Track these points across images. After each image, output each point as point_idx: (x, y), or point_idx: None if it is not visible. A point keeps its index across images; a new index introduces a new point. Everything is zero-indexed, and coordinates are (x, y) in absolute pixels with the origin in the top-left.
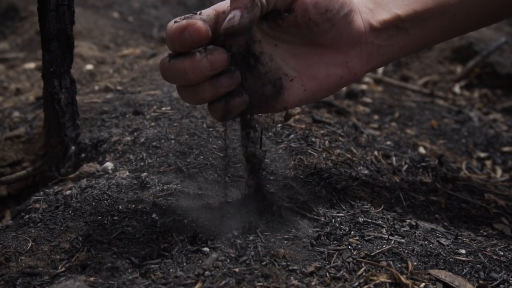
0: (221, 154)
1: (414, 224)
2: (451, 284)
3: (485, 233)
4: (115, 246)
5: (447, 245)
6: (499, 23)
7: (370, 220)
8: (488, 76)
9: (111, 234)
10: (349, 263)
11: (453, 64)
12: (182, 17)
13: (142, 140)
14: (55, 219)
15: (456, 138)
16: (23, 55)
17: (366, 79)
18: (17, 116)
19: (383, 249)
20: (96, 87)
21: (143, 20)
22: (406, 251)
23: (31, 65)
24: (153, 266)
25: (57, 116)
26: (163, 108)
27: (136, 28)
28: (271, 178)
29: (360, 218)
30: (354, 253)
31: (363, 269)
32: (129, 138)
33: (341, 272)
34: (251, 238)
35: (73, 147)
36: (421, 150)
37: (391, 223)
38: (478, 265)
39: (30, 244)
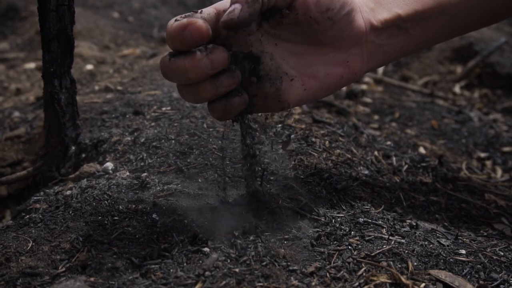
0: (221, 154)
1: (414, 224)
2: (451, 285)
3: (485, 233)
4: (115, 246)
5: (447, 246)
6: (499, 23)
7: (370, 220)
8: (488, 76)
9: (111, 234)
10: (349, 263)
11: (453, 64)
12: (183, 15)
13: (142, 140)
14: (55, 219)
15: (456, 138)
16: (23, 55)
17: (366, 79)
18: (17, 116)
19: (383, 249)
20: (96, 87)
21: (143, 20)
22: (406, 251)
23: (31, 65)
24: (153, 266)
25: (57, 116)
26: (163, 108)
27: (136, 28)
28: (271, 178)
29: (360, 218)
30: (354, 253)
31: (363, 269)
32: (129, 138)
33: (341, 272)
34: (251, 238)
35: (73, 147)
36: (421, 150)
37: (391, 223)
38: (478, 266)
39: (30, 244)
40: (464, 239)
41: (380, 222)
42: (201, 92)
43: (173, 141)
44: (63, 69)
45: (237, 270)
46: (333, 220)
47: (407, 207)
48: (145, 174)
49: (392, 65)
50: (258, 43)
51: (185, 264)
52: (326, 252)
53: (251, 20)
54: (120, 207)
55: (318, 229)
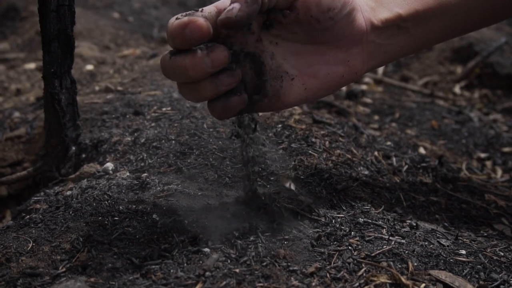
0: (221, 155)
1: (415, 224)
2: (452, 285)
3: (485, 234)
4: (115, 246)
5: (448, 246)
6: (499, 24)
7: (370, 221)
8: (488, 77)
9: (111, 235)
10: (349, 263)
11: (453, 65)
12: (184, 14)
13: (143, 140)
14: (55, 219)
15: (456, 139)
16: (24, 56)
17: (366, 79)
18: (17, 116)
19: (383, 249)
20: (97, 88)
21: (144, 20)
22: (407, 251)
23: (31, 65)
24: (153, 266)
25: (58, 116)
26: (164, 109)
27: (137, 28)
28: (272, 178)
29: (360, 219)
30: (355, 254)
31: (363, 269)
32: (129, 139)
33: (342, 272)
34: (251, 238)
35: (73, 148)
36: (421, 150)
37: (392, 224)
38: (479, 266)
39: (30, 245)
40: (464, 240)
41: (380, 222)
42: (201, 90)
43: (173, 142)
44: (64, 69)
45: (237, 270)
46: (333, 221)
47: (407, 207)
48: (145, 174)
49: (392, 65)
50: (258, 42)
51: (185, 264)
52: (326, 253)
53: (248, 20)
54: (121, 207)
55: (318, 230)
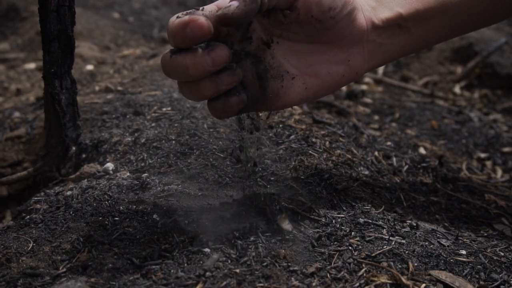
0: (221, 155)
1: (415, 224)
2: (452, 285)
3: (485, 234)
4: (116, 246)
5: (448, 246)
6: (499, 24)
7: (370, 221)
8: (488, 77)
9: (112, 235)
10: (349, 263)
11: (453, 65)
12: (184, 12)
13: (143, 140)
14: (56, 219)
15: (456, 139)
16: (24, 56)
17: (366, 79)
18: (17, 116)
19: (383, 249)
20: (97, 88)
21: (144, 21)
22: (407, 251)
23: (31, 65)
24: (154, 267)
25: (58, 116)
26: (164, 109)
27: (137, 28)
28: (272, 179)
29: (360, 219)
30: (355, 254)
31: (363, 269)
32: (129, 139)
33: (342, 272)
34: (251, 239)
35: (73, 148)
36: (422, 150)
37: (392, 224)
38: (479, 266)
39: (31, 245)
40: (465, 240)
41: (381, 222)
42: (202, 89)
43: (173, 142)
44: (64, 69)
45: (237, 270)
46: (334, 221)
47: (407, 207)
48: (146, 174)
49: (392, 65)
50: (259, 41)
51: (185, 264)
52: (326, 253)
53: (246, 18)
54: (121, 207)
55: (318, 230)
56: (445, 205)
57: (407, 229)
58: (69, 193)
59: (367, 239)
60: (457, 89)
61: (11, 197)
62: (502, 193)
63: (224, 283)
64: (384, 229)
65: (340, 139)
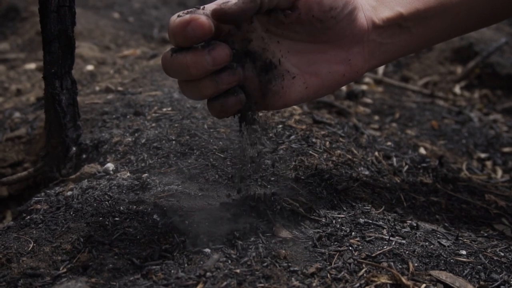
0: (221, 155)
1: (415, 225)
2: (452, 285)
3: (485, 234)
4: (116, 247)
5: (448, 246)
6: (499, 24)
7: (371, 221)
8: (488, 77)
9: (112, 235)
10: (350, 264)
11: (454, 65)
12: (185, 11)
13: (143, 141)
14: (56, 220)
15: (456, 139)
16: (24, 56)
17: (367, 79)
18: (18, 116)
19: (384, 250)
20: (97, 88)
21: (144, 21)
22: (407, 252)
23: (31, 65)
24: (154, 267)
25: (58, 117)
26: (164, 109)
27: (137, 28)
28: (272, 179)
29: (361, 219)
30: (355, 254)
31: (364, 270)
32: (130, 139)
33: (342, 273)
34: (252, 239)
35: (74, 148)
36: (422, 150)
37: (392, 224)
38: (479, 266)
39: (31, 245)
40: (465, 240)
41: (381, 222)
42: (202, 88)
43: (173, 142)
44: (64, 70)
45: (238, 271)
46: (334, 221)
47: (407, 207)
48: (146, 175)
49: (392, 65)
50: (260, 41)
51: (186, 265)
52: (327, 253)
53: (242, 16)
54: (121, 208)
55: (319, 230)
56: (445, 205)
57: (407, 229)
58: (69, 193)
59: (368, 239)
60: (457, 89)
61: (12, 197)
62: (502, 193)
63: (225, 283)
64: (384, 229)
65: (340, 139)
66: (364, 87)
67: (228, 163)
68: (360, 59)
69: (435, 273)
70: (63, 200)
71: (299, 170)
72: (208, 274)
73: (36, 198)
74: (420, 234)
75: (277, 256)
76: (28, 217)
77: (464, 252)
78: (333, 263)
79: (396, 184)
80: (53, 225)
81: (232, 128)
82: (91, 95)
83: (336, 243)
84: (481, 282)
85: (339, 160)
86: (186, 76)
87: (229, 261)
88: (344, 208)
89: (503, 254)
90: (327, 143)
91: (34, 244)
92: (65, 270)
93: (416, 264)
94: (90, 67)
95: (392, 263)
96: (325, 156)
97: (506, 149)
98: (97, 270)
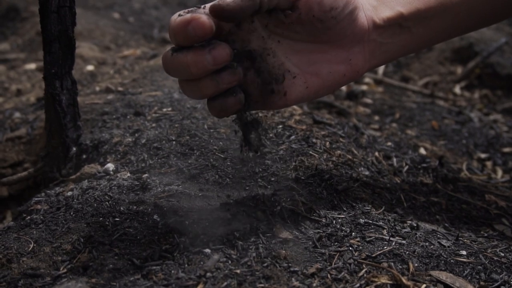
0: (222, 155)
1: (415, 225)
2: (452, 286)
3: (485, 234)
4: (116, 247)
5: (448, 246)
6: (499, 24)
7: (371, 221)
8: (488, 77)
9: (112, 236)
10: (350, 264)
11: (454, 65)
12: (186, 10)
13: (143, 141)
14: (56, 220)
15: (456, 139)
16: (24, 56)
17: (367, 79)
18: (18, 117)
19: (384, 250)
20: (97, 88)
21: (144, 21)
22: (407, 252)
23: (32, 65)
24: (154, 267)
25: (58, 117)
26: (164, 109)
27: (137, 28)
28: (272, 179)
29: (361, 219)
30: (355, 255)
31: (364, 270)
32: (130, 139)
33: (342, 273)
34: (252, 239)
35: (74, 148)
36: (422, 151)
37: (392, 224)
38: (479, 266)
39: (31, 246)
40: (465, 240)
41: (381, 223)
42: (202, 88)
43: (174, 142)
44: (64, 70)
45: (238, 271)
46: (334, 221)
47: (407, 208)
48: (146, 175)
49: (392, 65)
50: (260, 40)
51: (186, 265)
52: (327, 253)
53: (240, 13)
54: (121, 208)
55: (319, 230)
56: (445, 205)
57: (408, 229)
58: (69, 193)
59: (368, 239)
60: (457, 90)
61: (12, 197)
62: (502, 194)
63: (225, 283)
64: (385, 230)
65: (341, 139)
66: (364, 87)
67: (228, 163)
68: (361, 58)
69: (435, 273)
70: (63, 201)
71: (299, 171)
72: (208, 274)
73: (36, 199)
74: (420, 234)
75: (277, 257)
76: (28, 217)
77: (464, 253)
78: (333, 264)
79: (396, 185)
80: (53, 226)
81: (232, 129)
82: (91, 95)
83: (336, 243)
84: (481, 283)
85: (339, 161)
86: (186, 76)
87: (229, 262)
88: (344, 209)
89: (503, 255)
90: (327, 143)
91: (34, 245)
92: (65, 270)
93: (416, 265)
94: (90, 67)
95: (392, 264)
96: (325, 157)
97: (506, 149)
98: (97, 271)
